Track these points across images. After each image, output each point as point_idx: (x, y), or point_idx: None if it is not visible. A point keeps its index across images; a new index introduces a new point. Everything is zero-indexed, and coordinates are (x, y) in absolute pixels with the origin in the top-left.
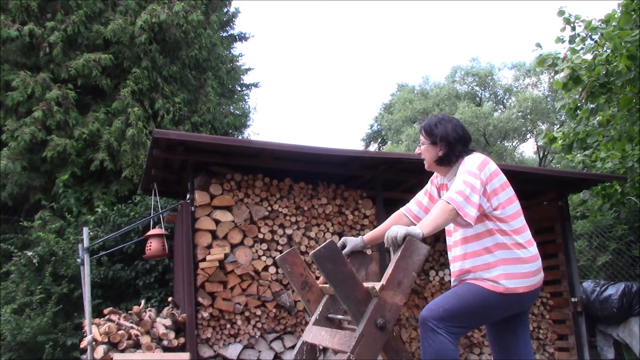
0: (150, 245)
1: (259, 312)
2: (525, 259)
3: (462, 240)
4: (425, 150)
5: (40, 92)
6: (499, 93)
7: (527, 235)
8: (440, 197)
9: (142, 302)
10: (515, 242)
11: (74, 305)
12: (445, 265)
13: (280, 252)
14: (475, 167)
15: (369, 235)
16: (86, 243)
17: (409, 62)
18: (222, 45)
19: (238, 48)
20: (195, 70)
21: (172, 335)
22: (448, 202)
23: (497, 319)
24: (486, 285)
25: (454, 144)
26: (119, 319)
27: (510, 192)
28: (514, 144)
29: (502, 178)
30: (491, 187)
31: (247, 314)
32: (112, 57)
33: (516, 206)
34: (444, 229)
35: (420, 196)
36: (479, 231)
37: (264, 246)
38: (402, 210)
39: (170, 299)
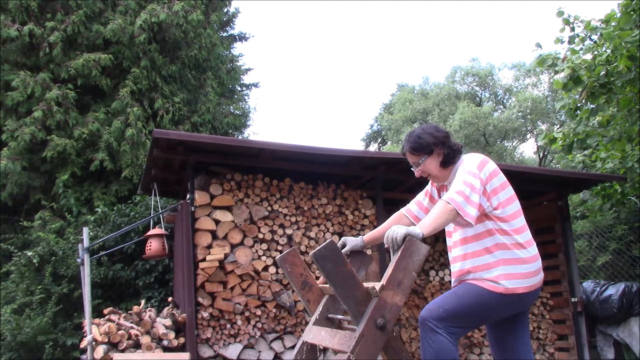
0: (150, 245)
1: (259, 312)
2: (525, 259)
3: (461, 240)
4: (427, 165)
5: (40, 92)
6: (499, 93)
7: (527, 235)
8: (440, 197)
9: (142, 302)
10: (515, 242)
11: (74, 305)
12: (445, 265)
13: (280, 252)
14: (475, 166)
15: (369, 235)
16: (86, 243)
17: (409, 62)
18: (222, 45)
19: (238, 48)
20: (195, 70)
21: (172, 335)
22: (448, 202)
23: (497, 319)
24: (486, 285)
25: (446, 141)
26: (119, 319)
27: (510, 191)
28: (514, 144)
29: (502, 177)
30: (491, 187)
31: (247, 314)
32: (112, 57)
33: (516, 206)
34: (444, 229)
35: (421, 197)
36: (478, 231)
37: (264, 246)
38: (402, 210)
39: (170, 299)
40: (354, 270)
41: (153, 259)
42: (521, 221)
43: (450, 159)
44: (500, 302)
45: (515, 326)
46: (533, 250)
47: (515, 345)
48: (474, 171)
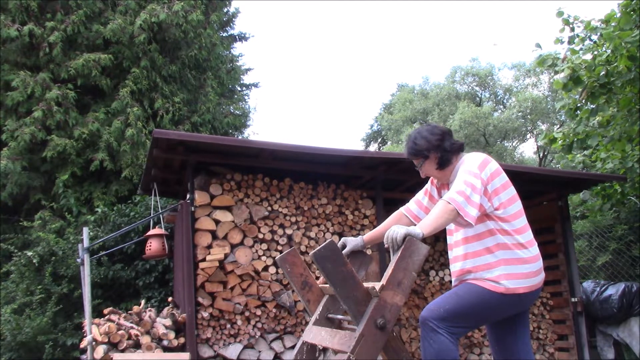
0: (150, 245)
1: (259, 312)
2: (526, 259)
3: (463, 240)
4: (426, 169)
5: (40, 92)
6: (499, 93)
7: (528, 235)
8: (440, 197)
9: (142, 302)
10: (516, 242)
11: (74, 305)
12: (445, 265)
13: (280, 252)
14: (476, 166)
15: (368, 235)
16: (86, 243)
17: (409, 62)
18: (222, 45)
19: (238, 48)
20: (195, 70)
21: (172, 335)
22: (449, 202)
23: (497, 319)
24: (487, 285)
25: (440, 144)
26: (119, 319)
27: (512, 191)
28: (514, 144)
29: (504, 177)
30: (492, 187)
31: (247, 314)
32: (112, 57)
33: (518, 206)
34: (445, 228)
35: (420, 196)
36: (479, 231)
37: (264, 246)
38: (402, 210)
39: (170, 299)
40: (354, 270)
41: (153, 259)
42: (522, 221)
43: (446, 160)
44: (501, 302)
45: (515, 326)
46: (534, 250)
47: (515, 345)
48: (475, 171)
